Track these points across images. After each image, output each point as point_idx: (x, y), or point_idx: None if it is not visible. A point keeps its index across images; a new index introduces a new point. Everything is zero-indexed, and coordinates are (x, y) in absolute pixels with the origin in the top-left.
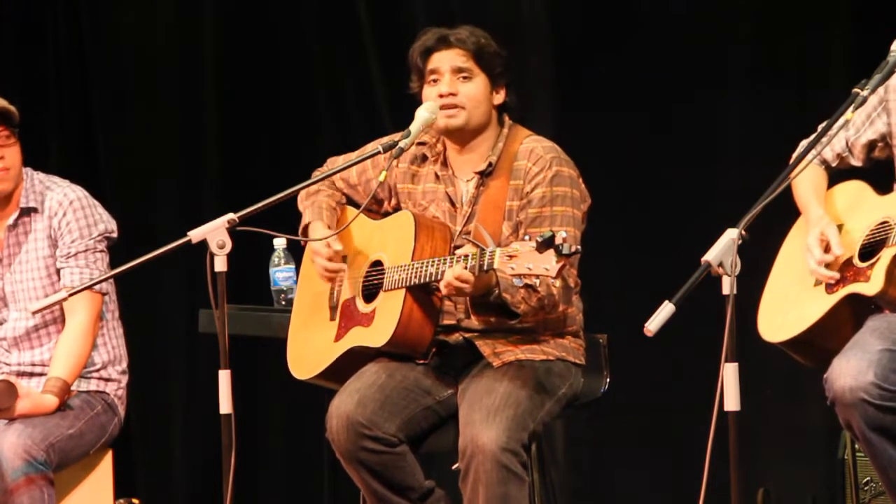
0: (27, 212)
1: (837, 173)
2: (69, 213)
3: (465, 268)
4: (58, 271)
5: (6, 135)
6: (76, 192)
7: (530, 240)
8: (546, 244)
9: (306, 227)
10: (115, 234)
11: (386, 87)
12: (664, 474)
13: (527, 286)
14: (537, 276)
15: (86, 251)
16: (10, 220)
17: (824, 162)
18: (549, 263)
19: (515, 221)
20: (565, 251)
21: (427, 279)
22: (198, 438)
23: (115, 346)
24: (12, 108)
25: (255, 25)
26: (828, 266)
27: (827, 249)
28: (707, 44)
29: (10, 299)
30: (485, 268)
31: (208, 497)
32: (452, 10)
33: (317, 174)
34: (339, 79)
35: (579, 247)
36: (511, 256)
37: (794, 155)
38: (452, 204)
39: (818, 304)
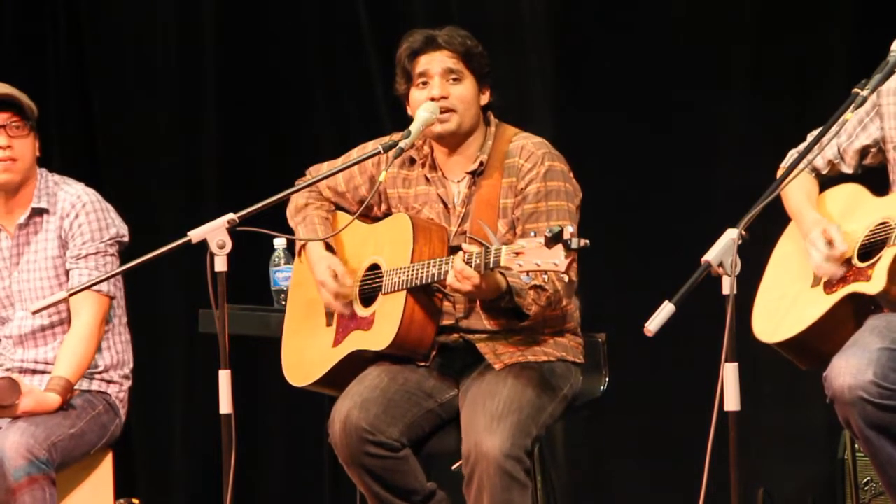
0: (39, 212)
1: (828, 181)
2: (82, 214)
3: (471, 265)
4: (66, 272)
5: (17, 124)
6: (90, 195)
7: (536, 236)
8: (555, 239)
9: (303, 246)
10: (126, 239)
11: (385, 87)
12: (664, 474)
13: (535, 287)
14: (546, 272)
15: (96, 254)
16: (22, 219)
17: (815, 170)
18: (557, 258)
19: (511, 219)
20: (574, 245)
21: (429, 280)
22: (198, 438)
23: (119, 351)
24: (26, 99)
25: (255, 25)
26: (833, 261)
27: (830, 246)
28: (707, 44)
29: (17, 298)
30: (490, 265)
31: (208, 497)
32: (452, 10)
33: (300, 184)
34: (339, 79)
35: (587, 241)
36: (518, 253)
37: (783, 165)
38: (445, 205)
39: (817, 305)
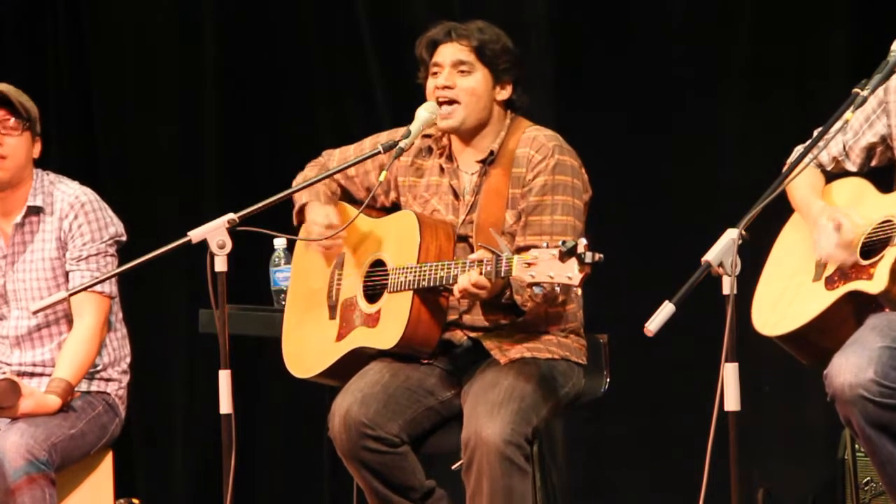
0: (35, 211)
1: (833, 177)
2: (80, 215)
3: (481, 273)
4: (65, 273)
5: (10, 123)
6: (87, 195)
7: (548, 247)
8: (569, 253)
9: (303, 207)
10: (124, 238)
11: (386, 88)
12: (664, 474)
13: (532, 285)
14: (559, 285)
15: (97, 255)
16: (18, 219)
17: (820, 165)
18: (571, 272)
19: (518, 210)
20: (588, 259)
21: (437, 283)
22: (198, 438)
23: (116, 348)
24: (22, 98)
25: (255, 25)
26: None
27: (839, 231)
28: (707, 43)
29: (12, 297)
30: (501, 274)
31: (208, 497)
32: (452, 9)
33: (311, 164)
34: (339, 79)
35: (602, 255)
36: (530, 264)
37: (789, 161)
38: (456, 196)
39: (818, 300)
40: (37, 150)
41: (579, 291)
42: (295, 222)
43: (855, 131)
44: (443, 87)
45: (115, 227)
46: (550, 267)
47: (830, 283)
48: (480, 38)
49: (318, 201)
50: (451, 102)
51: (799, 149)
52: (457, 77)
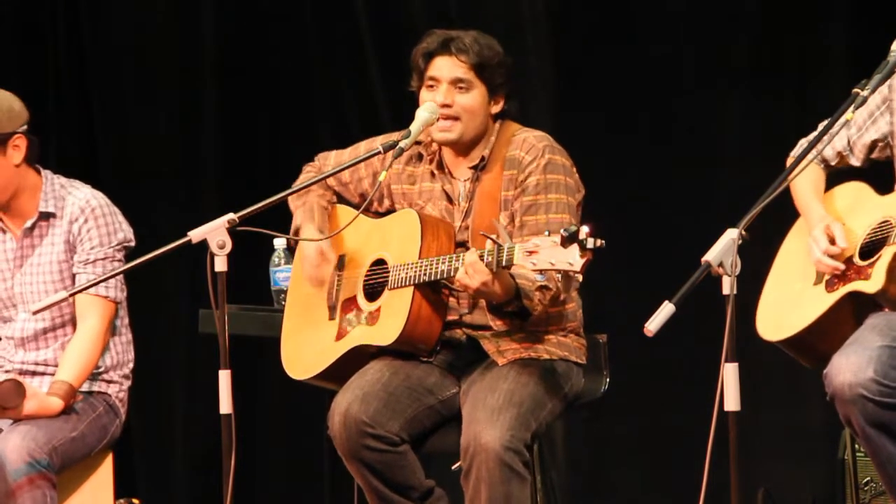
0: (46, 216)
1: (836, 173)
2: (90, 219)
3: (482, 261)
4: (72, 276)
5: None
6: (98, 199)
7: (549, 235)
8: (570, 239)
9: (297, 228)
10: (133, 244)
11: (385, 89)
12: (664, 474)
13: (541, 287)
14: (559, 272)
15: (104, 259)
16: (28, 224)
17: (824, 160)
18: (572, 258)
19: (511, 211)
20: (589, 245)
21: (438, 276)
22: (198, 438)
23: (119, 352)
24: None
25: (255, 25)
26: (832, 258)
27: (832, 243)
28: (707, 43)
29: (20, 300)
30: (503, 263)
31: (208, 497)
32: (451, 10)
33: (307, 168)
34: (339, 80)
35: (603, 241)
36: (531, 252)
37: (793, 153)
38: (450, 201)
39: (818, 303)
40: (19, 156)
41: (580, 278)
42: (291, 242)
43: (859, 127)
44: (443, 105)
45: (124, 232)
46: (552, 254)
47: (830, 286)
48: (479, 55)
49: (312, 222)
50: (448, 118)
51: (803, 141)
52: (455, 94)
